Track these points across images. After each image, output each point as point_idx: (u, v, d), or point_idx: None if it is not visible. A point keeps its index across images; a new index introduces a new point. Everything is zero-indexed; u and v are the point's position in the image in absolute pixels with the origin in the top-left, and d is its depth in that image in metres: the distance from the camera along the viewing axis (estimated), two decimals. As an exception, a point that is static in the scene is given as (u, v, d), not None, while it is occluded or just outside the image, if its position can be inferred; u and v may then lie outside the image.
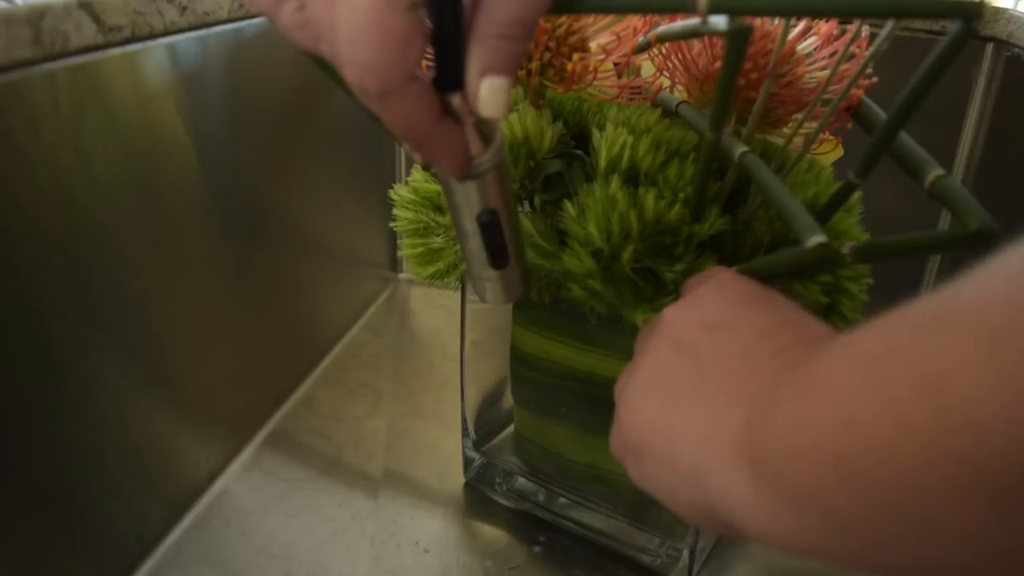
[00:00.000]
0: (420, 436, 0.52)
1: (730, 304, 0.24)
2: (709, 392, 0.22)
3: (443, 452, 0.50)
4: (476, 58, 0.20)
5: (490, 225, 0.25)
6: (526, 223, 0.32)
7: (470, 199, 0.25)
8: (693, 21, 0.24)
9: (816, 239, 0.22)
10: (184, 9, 0.40)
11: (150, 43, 0.37)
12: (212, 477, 0.47)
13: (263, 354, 0.52)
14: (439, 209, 0.36)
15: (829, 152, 0.33)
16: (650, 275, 0.30)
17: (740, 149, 0.28)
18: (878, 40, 0.25)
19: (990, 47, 0.56)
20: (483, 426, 0.46)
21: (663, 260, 0.29)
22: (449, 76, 0.21)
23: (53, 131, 0.33)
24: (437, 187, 0.36)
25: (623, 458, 0.26)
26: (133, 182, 0.38)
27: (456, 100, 0.21)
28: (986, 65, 0.57)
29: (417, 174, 0.37)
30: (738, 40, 0.22)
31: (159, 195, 0.40)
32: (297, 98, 0.51)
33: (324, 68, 0.24)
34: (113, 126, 0.36)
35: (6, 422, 0.32)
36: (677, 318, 0.25)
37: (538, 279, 0.33)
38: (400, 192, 0.37)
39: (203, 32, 0.41)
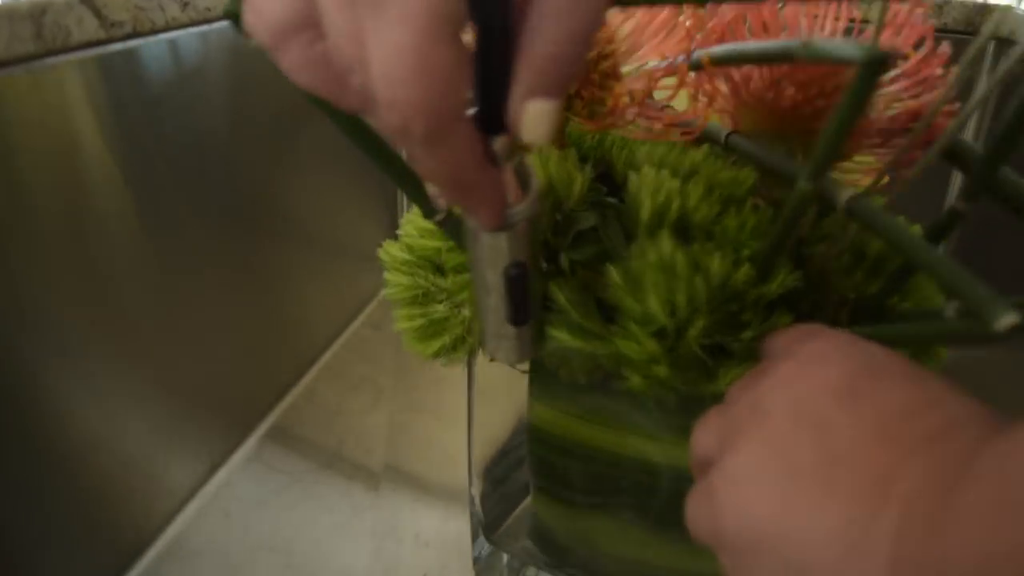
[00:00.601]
0: (421, 430, 0.52)
1: (861, 370, 0.19)
2: (847, 482, 0.18)
3: (443, 446, 0.50)
4: (522, 79, 0.17)
5: (518, 279, 0.23)
6: (558, 296, 0.27)
7: (498, 251, 0.22)
8: (782, 42, 0.20)
9: (1008, 319, 0.18)
10: (185, 5, 0.40)
11: (151, 39, 0.38)
12: (213, 469, 0.47)
13: (264, 348, 0.52)
14: (439, 270, 0.30)
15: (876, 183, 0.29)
16: (717, 349, 0.25)
17: (846, 194, 0.23)
18: (1001, 68, 0.22)
19: (992, 45, 0.56)
20: (493, 503, 0.40)
21: (730, 330, 0.24)
22: (495, 115, 0.18)
23: (53, 126, 0.33)
24: (435, 243, 0.30)
25: (717, 546, 0.20)
26: (134, 176, 0.38)
27: (499, 143, 0.19)
28: (987, 63, 0.57)
29: (410, 227, 0.31)
30: (872, 70, 0.18)
31: (160, 189, 0.40)
32: (298, 92, 0.52)
33: (328, 109, 0.21)
34: (114, 121, 0.36)
35: (10, 414, 0.33)
36: (795, 377, 0.20)
37: (565, 360, 0.28)
38: (391, 251, 0.31)
39: (204, 28, 0.41)
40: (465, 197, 0.20)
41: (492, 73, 0.18)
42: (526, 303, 0.24)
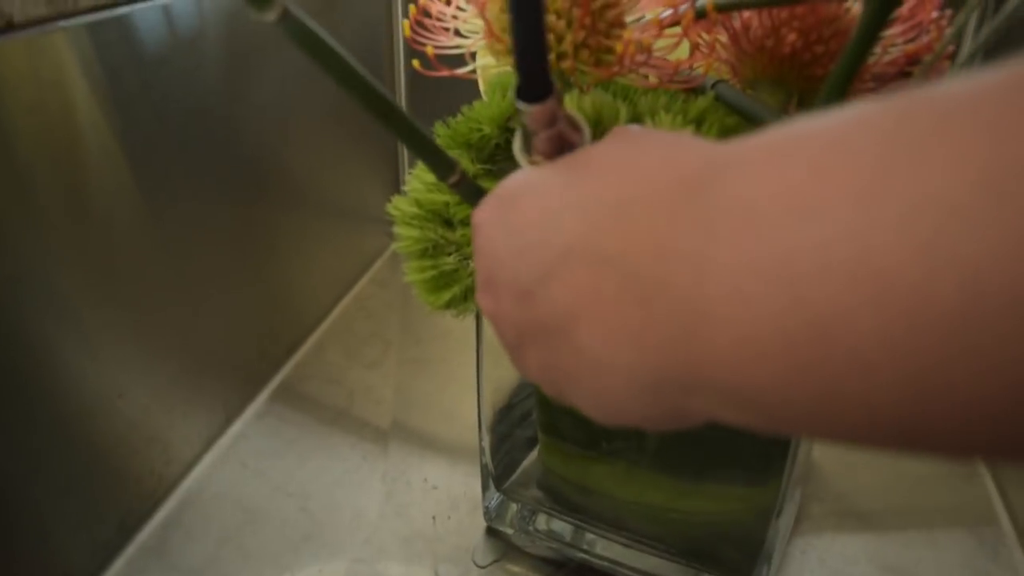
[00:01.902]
0: (428, 381, 0.54)
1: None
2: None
3: (450, 395, 0.52)
4: None
5: None
6: None
7: None
8: None
9: None
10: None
11: (145, 4, 0.38)
12: (228, 422, 0.49)
13: (274, 306, 0.53)
14: (448, 223, 0.31)
15: None
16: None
17: None
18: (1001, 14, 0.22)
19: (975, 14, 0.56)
20: (501, 456, 0.41)
21: None
22: (536, 82, 0.19)
23: (47, 94, 0.34)
24: (443, 198, 0.31)
25: (519, 345, 0.20)
26: (132, 142, 0.38)
27: (547, 107, 0.20)
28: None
29: (416, 182, 0.32)
30: (886, 4, 0.18)
31: (160, 154, 0.40)
32: (298, 56, 0.52)
33: (337, 77, 0.22)
34: (109, 88, 0.36)
35: (30, 372, 0.34)
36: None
37: None
38: (400, 206, 0.32)
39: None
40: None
41: (528, 41, 0.18)
42: None
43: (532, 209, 0.18)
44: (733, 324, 0.13)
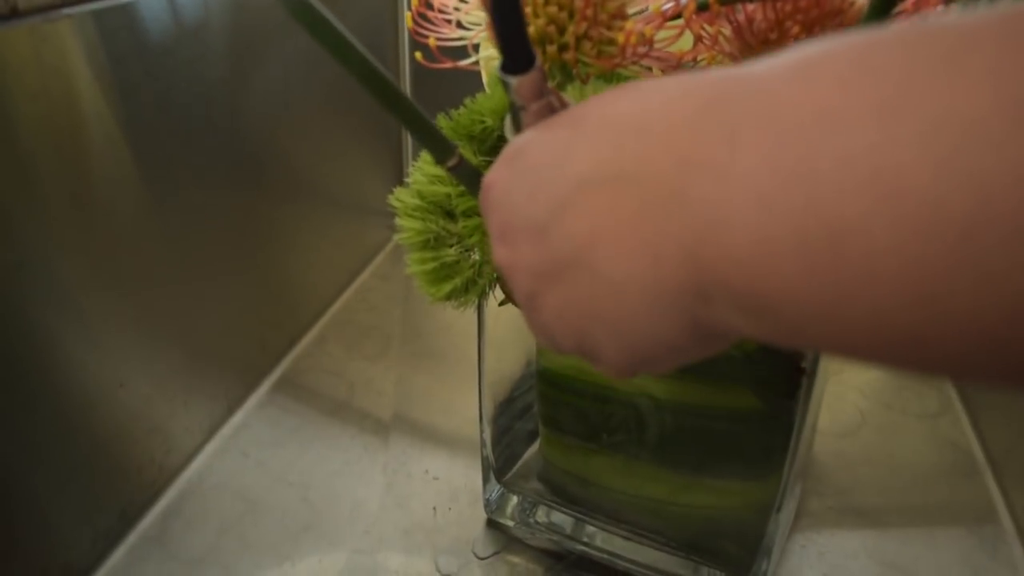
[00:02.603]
0: (429, 374, 0.54)
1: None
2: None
3: (450, 388, 0.52)
4: None
5: None
6: None
7: None
8: None
9: None
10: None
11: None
12: (230, 413, 0.49)
13: (276, 297, 0.53)
14: (450, 215, 0.31)
15: None
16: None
17: None
18: None
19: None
20: (502, 448, 0.41)
21: None
22: (518, 55, 0.19)
23: (51, 82, 0.34)
24: (445, 189, 0.31)
25: (535, 294, 0.19)
26: (135, 131, 0.38)
27: (531, 77, 0.20)
28: None
29: (418, 174, 0.32)
30: None
31: (163, 144, 0.40)
32: (303, 46, 0.52)
33: (341, 57, 0.22)
34: (113, 76, 0.36)
35: (31, 361, 0.34)
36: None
37: None
38: (402, 197, 0.32)
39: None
40: None
41: (505, 9, 0.18)
42: None
43: (542, 153, 0.18)
44: (751, 225, 0.13)
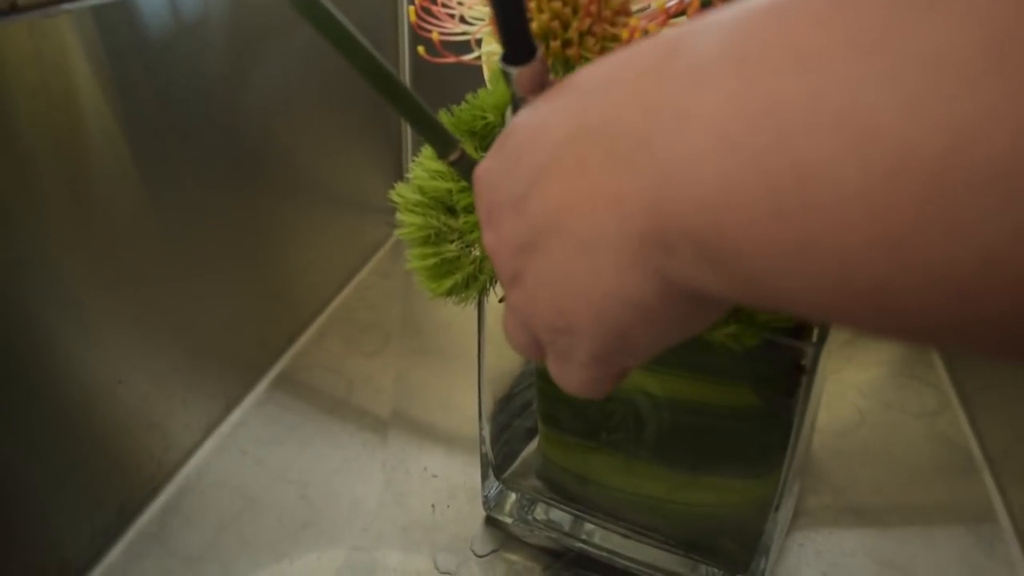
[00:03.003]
0: (428, 371, 0.54)
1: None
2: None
3: (449, 385, 0.52)
4: None
5: None
6: None
7: None
8: None
9: None
10: (193, -55, 0.40)
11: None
12: (228, 410, 0.49)
13: (275, 294, 0.53)
14: (451, 211, 0.31)
15: None
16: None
17: None
18: None
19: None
20: (500, 446, 0.41)
21: None
22: (519, 45, 0.20)
23: (50, 78, 0.33)
24: (446, 185, 0.31)
25: (517, 275, 0.19)
26: (134, 128, 0.38)
27: (532, 68, 0.20)
28: None
29: (419, 169, 0.32)
30: None
31: (162, 140, 0.40)
32: (303, 43, 0.52)
33: (343, 48, 0.21)
34: (111, 73, 0.36)
35: (28, 358, 0.34)
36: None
37: None
38: (403, 193, 0.32)
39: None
40: None
41: (509, 2, 0.18)
42: None
43: (524, 131, 0.18)
44: (715, 165, 0.13)
